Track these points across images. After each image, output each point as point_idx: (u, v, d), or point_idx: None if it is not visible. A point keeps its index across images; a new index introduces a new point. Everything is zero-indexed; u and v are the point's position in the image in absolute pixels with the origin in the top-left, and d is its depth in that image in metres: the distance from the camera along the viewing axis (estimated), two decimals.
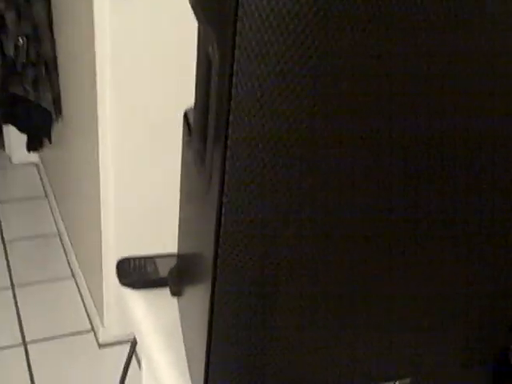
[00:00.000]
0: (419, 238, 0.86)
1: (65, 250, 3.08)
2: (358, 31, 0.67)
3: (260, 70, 0.69)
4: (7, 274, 2.88)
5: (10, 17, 2.77)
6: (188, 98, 1.82)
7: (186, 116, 1.10)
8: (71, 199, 2.84)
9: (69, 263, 3.05)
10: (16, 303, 2.77)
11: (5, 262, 3.05)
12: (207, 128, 0.85)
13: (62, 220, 3.12)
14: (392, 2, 0.67)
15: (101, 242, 2.22)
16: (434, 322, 0.95)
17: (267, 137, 0.73)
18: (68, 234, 3.00)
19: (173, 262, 1.21)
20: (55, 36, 2.68)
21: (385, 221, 0.82)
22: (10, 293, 2.85)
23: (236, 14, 0.68)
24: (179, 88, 1.89)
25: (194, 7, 0.93)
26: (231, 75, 0.71)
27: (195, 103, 0.94)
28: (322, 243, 0.80)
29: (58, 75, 2.76)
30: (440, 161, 0.81)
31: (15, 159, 3.87)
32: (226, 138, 0.75)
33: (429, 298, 0.92)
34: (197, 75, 0.93)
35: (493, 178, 0.87)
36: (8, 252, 3.08)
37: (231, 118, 0.73)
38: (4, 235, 3.19)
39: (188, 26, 1.69)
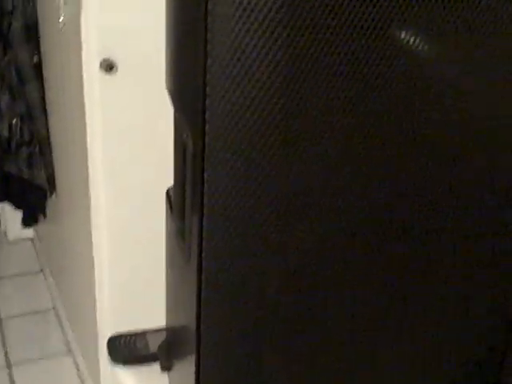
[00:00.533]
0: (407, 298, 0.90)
1: (61, 326, 3.06)
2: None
3: (229, 156, 0.75)
4: (3, 352, 2.87)
5: (4, 99, 2.86)
6: None
7: (168, 193, 1.15)
8: (67, 274, 2.85)
9: (65, 339, 3.03)
10: (13, 382, 2.74)
11: (0, 340, 3.03)
12: (185, 206, 0.90)
13: (58, 295, 3.12)
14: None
15: (96, 317, 2.22)
16: (424, 364, 0.97)
17: (240, 215, 0.78)
18: (64, 310, 3.00)
19: (163, 336, 1.23)
20: (48, 115, 2.76)
21: (371, 273, 0.86)
22: (5, 372, 2.82)
23: (204, 105, 0.74)
24: (171, 162, 1.95)
25: (170, 95, 1.00)
26: (203, 160, 0.76)
27: (174, 183, 0.99)
28: (302, 310, 0.84)
29: (51, 153, 2.83)
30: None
31: (11, 235, 3.88)
32: (202, 216, 0.80)
33: (419, 342, 0.95)
34: (174, 158, 0.99)
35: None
36: (4, 329, 3.07)
37: (205, 200, 0.78)
38: (0, 312, 3.18)
39: None
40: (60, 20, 1.82)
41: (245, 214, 0.77)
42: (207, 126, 0.74)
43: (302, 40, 0.69)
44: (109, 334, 2.32)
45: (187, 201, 0.86)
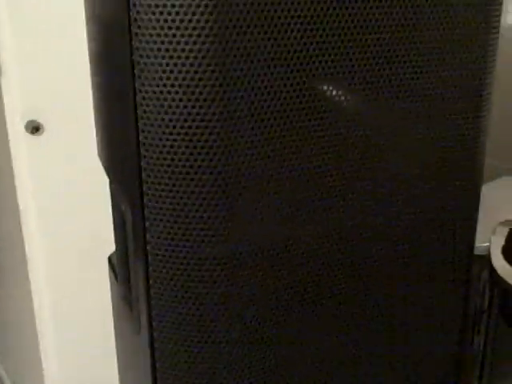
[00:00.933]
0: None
1: None
2: None
3: (169, 226, 0.76)
4: None
5: None
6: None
7: (110, 260, 1.15)
8: (13, 353, 2.75)
9: None
10: None
11: None
12: (129, 274, 0.91)
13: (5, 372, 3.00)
14: None
15: None
16: None
17: (185, 281, 0.79)
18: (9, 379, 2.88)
19: None
20: None
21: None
22: None
23: (140, 177, 0.75)
24: (104, 217, 1.94)
25: (104, 166, 1.00)
26: (144, 233, 0.77)
27: (116, 251, 1.00)
28: (259, 366, 0.85)
29: None
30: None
31: None
32: (148, 286, 0.80)
33: None
34: (114, 225, 0.99)
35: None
36: None
37: (150, 270, 0.79)
38: None
39: None
40: None
41: (190, 280, 0.79)
42: (145, 199, 0.76)
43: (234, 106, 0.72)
44: None
45: (132, 271, 0.86)
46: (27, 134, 1.85)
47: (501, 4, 0.89)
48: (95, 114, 1.03)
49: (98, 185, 1.96)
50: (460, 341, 1.05)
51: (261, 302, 0.83)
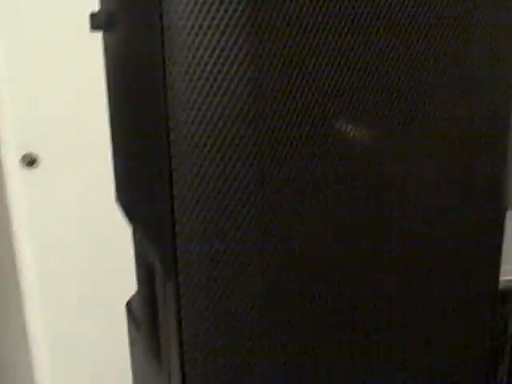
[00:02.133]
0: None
1: None
2: None
3: (204, 282, 0.74)
4: None
5: None
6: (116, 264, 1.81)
7: (129, 307, 1.12)
8: None
9: None
10: None
11: None
12: (157, 327, 0.88)
13: None
14: None
15: None
16: None
17: (221, 336, 0.76)
18: None
19: None
20: None
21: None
22: None
23: (174, 232, 0.73)
24: (106, 249, 1.91)
25: (125, 214, 0.98)
26: (177, 288, 0.75)
27: (139, 300, 0.97)
28: None
29: None
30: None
31: None
32: (181, 342, 0.78)
33: None
34: (138, 274, 0.96)
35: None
36: None
37: (183, 325, 0.76)
38: None
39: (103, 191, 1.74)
40: None
41: (225, 334, 0.76)
42: (179, 252, 0.73)
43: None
44: None
45: (162, 324, 0.83)
46: (23, 167, 1.83)
47: None
48: (117, 160, 1.01)
49: (95, 218, 1.93)
50: (487, 372, 1.03)
51: (296, 341, 0.81)
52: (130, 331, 1.12)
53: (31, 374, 2.12)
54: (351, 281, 0.84)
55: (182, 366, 0.79)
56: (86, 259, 1.90)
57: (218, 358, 0.78)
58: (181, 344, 0.78)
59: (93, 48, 1.58)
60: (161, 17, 0.65)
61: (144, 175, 0.81)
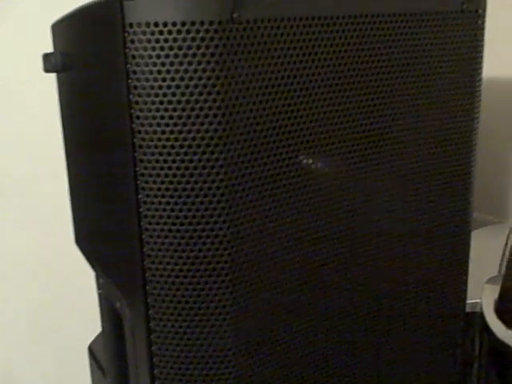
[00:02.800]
0: None
1: None
2: None
3: (176, 323, 0.72)
4: None
5: None
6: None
7: (91, 351, 1.09)
8: None
9: None
10: None
11: None
12: (126, 372, 0.85)
13: None
14: None
15: None
16: None
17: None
18: None
19: None
20: None
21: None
22: None
23: (144, 277, 0.71)
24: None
25: (88, 259, 0.95)
26: (149, 334, 0.73)
27: (104, 345, 0.94)
28: None
29: None
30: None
31: None
32: None
33: None
34: (102, 320, 0.93)
35: None
36: None
37: (156, 372, 0.74)
38: None
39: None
40: None
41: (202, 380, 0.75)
42: (150, 299, 0.71)
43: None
44: None
45: (131, 372, 0.81)
46: None
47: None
48: (74, 200, 0.98)
49: (44, 253, 1.89)
50: None
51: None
52: (93, 376, 1.08)
53: None
54: (321, 304, 0.84)
55: None
56: (35, 297, 1.85)
57: None
58: None
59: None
60: (125, 63, 0.64)
61: (108, 217, 0.79)
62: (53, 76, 1.07)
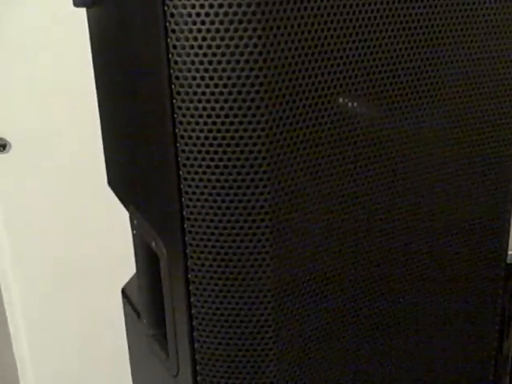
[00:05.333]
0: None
1: None
2: None
3: (217, 268, 0.71)
4: None
5: None
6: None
7: (124, 293, 1.08)
8: None
9: None
10: None
11: None
12: (162, 314, 0.85)
13: None
14: None
15: None
16: None
17: (233, 325, 0.74)
18: None
19: None
20: None
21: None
22: None
23: (182, 219, 0.70)
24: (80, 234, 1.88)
25: (120, 196, 0.94)
26: (186, 277, 0.72)
27: (140, 287, 0.93)
28: None
29: None
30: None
31: None
32: (191, 329, 0.75)
33: None
34: (136, 260, 0.93)
35: None
36: None
37: (194, 312, 0.73)
38: None
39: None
40: None
41: (238, 320, 0.73)
42: (187, 237, 0.70)
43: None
44: None
45: (169, 311, 0.80)
46: None
47: None
48: (108, 145, 0.97)
49: (68, 201, 1.90)
50: (496, 348, 1.03)
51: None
52: (127, 319, 1.08)
53: (12, 360, 2.08)
54: (362, 277, 0.82)
55: (192, 352, 0.76)
56: (61, 245, 1.87)
57: (229, 345, 0.75)
58: (191, 331, 0.75)
59: (67, 36, 1.54)
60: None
61: (146, 158, 0.77)
62: None
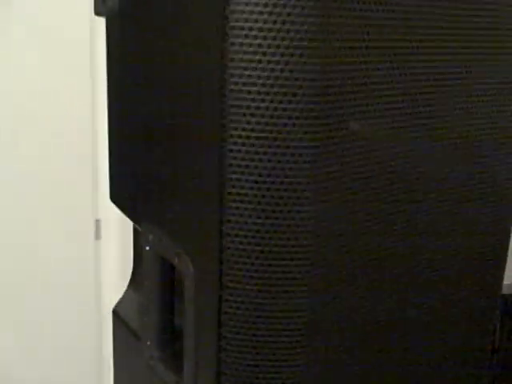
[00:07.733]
0: None
1: None
2: None
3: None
4: None
5: None
6: None
7: (117, 314, 1.04)
8: None
9: None
10: None
11: None
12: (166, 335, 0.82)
13: None
14: None
15: None
16: None
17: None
18: None
19: None
20: None
21: None
22: None
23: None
24: None
25: (120, 206, 0.91)
26: (219, 294, 0.70)
27: (146, 308, 0.90)
28: None
29: None
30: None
31: None
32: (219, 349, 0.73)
33: None
34: (146, 280, 0.89)
35: None
36: None
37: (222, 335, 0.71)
38: None
39: None
40: None
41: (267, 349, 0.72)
42: (224, 255, 0.68)
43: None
44: None
45: (188, 330, 0.77)
46: None
47: None
48: (116, 158, 0.94)
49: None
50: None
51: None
52: (118, 342, 1.04)
53: None
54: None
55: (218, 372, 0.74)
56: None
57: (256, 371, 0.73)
58: (218, 351, 0.72)
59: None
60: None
61: (174, 171, 0.75)
62: None
